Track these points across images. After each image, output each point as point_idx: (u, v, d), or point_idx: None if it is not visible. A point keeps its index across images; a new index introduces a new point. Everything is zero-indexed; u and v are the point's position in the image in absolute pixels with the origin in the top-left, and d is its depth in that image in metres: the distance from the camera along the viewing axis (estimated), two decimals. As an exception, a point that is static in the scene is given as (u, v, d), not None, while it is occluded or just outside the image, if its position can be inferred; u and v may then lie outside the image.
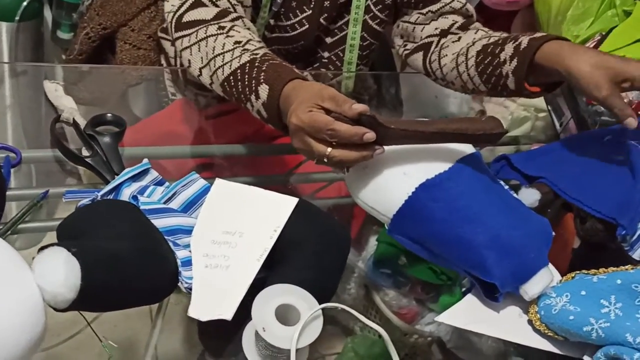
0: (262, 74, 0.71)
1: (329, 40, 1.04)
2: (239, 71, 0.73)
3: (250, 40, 0.77)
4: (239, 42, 0.76)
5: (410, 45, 1.02)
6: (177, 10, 0.82)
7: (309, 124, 0.62)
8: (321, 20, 1.00)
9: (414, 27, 1.00)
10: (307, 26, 0.99)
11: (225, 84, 0.75)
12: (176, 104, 1.07)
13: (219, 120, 1.06)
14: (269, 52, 0.76)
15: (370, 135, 0.60)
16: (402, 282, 0.94)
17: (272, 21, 0.98)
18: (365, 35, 1.04)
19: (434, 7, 0.97)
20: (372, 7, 1.01)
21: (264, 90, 0.70)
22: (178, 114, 1.04)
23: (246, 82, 0.72)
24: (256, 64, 0.72)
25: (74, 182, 0.96)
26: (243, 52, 0.74)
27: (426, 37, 0.99)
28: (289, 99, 0.67)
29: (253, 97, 0.71)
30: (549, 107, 1.02)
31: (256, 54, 0.74)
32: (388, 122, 0.60)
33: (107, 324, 0.61)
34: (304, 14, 0.98)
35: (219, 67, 0.75)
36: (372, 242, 1.01)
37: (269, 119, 0.71)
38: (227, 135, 1.03)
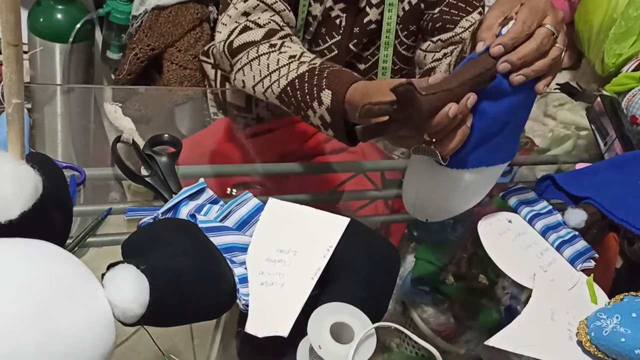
0: (324, 80, 0.71)
1: (361, 67, 1.05)
2: (297, 80, 0.74)
3: (303, 52, 0.78)
4: (294, 56, 0.77)
5: (420, 72, 1.03)
6: (227, 39, 0.85)
7: None
8: (350, 46, 1.01)
9: (425, 55, 1.01)
10: (335, 52, 1.01)
11: (283, 94, 0.76)
12: (218, 123, 1.10)
13: (260, 138, 1.08)
14: (327, 61, 0.77)
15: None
16: (440, 299, 0.94)
17: (306, 46, 1.00)
18: (395, 59, 1.05)
19: (444, 36, 0.98)
20: (399, 32, 1.02)
21: (326, 95, 0.70)
22: (220, 133, 1.07)
23: (306, 90, 0.73)
24: (316, 72, 0.73)
25: (117, 196, 0.99)
26: (300, 64, 0.75)
27: (430, 62, 0.99)
28: (354, 100, 0.68)
29: (315, 104, 0.72)
30: (593, 127, 1.01)
31: (314, 64, 0.75)
32: (422, 89, 0.58)
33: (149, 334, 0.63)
34: (333, 40, 1.00)
35: (274, 81, 0.77)
36: (410, 259, 1.01)
37: (332, 123, 0.72)
38: (268, 153, 1.05)
